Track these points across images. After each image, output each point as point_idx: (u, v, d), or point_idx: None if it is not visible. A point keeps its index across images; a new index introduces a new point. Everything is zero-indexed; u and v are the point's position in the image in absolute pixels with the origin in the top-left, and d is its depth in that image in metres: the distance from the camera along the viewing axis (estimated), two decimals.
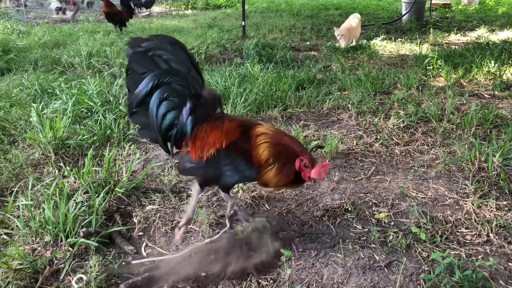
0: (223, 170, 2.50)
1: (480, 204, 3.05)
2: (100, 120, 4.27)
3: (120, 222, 2.91)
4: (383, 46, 8.39)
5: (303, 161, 2.39)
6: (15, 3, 15.03)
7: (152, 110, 2.52)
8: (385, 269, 2.48)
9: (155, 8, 16.15)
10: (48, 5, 15.31)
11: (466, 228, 2.82)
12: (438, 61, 6.28)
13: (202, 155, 2.50)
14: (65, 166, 3.47)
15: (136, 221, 2.95)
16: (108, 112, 4.42)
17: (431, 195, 3.20)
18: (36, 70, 6.28)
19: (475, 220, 2.88)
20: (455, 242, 2.70)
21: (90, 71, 6.37)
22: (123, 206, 3.11)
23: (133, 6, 10.35)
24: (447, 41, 8.76)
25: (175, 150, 2.64)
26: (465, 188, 3.28)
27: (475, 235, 2.75)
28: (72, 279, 2.37)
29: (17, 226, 2.75)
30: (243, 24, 9.48)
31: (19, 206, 2.85)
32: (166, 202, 3.18)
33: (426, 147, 3.96)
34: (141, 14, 14.58)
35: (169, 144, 2.62)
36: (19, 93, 5.20)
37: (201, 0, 17.25)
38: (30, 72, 6.11)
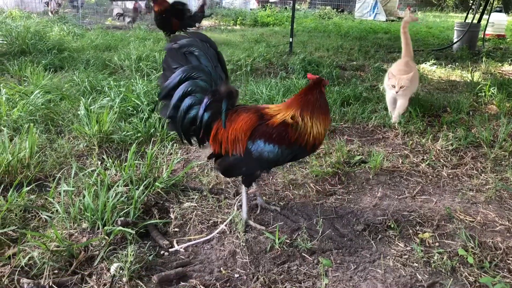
0: (254, 159, 2.64)
1: None
2: (145, 118, 4.32)
3: (157, 216, 2.89)
4: (433, 71, 8.19)
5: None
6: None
7: (176, 102, 2.67)
8: None
9: (205, 22, 16.44)
10: (103, 12, 15.93)
11: None
12: (491, 89, 6.05)
13: (224, 149, 2.69)
14: (108, 159, 3.51)
15: (173, 217, 2.92)
16: (153, 111, 4.47)
17: (480, 220, 3.02)
18: (87, 69, 6.46)
19: None
20: (505, 270, 2.52)
21: (138, 74, 6.49)
22: (161, 202, 3.10)
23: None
24: (500, 71, 8.46)
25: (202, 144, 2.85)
26: None
27: None
28: (110, 266, 2.35)
29: (57, 210, 2.77)
30: (291, 40, 9.49)
31: (60, 192, 2.88)
32: (204, 201, 3.14)
33: (476, 172, 3.78)
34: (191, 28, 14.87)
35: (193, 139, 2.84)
36: (69, 88, 5.35)
37: (250, 17, 17.46)
38: (81, 71, 6.28)
